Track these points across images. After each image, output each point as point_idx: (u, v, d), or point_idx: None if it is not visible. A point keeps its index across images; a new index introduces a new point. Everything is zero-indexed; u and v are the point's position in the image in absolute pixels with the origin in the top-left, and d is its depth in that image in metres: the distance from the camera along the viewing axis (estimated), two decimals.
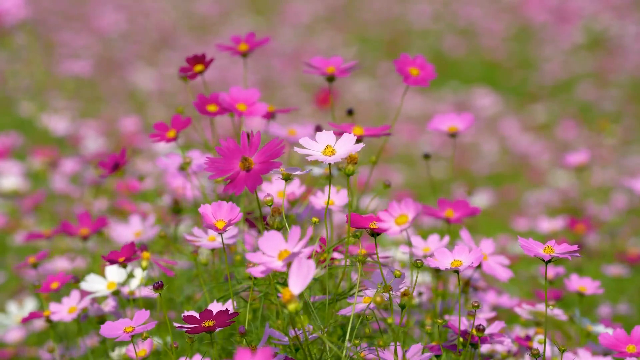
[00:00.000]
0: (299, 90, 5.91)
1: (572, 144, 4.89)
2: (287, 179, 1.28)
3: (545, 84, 6.29)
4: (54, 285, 1.50)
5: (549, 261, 1.24)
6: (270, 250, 1.15)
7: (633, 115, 5.54)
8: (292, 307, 1.08)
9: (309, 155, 1.22)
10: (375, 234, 1.26)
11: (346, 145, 1.24)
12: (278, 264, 1.14)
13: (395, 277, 1.27)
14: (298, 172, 1.27)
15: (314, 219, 1.29)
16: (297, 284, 1.08)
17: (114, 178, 2.67)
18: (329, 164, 1.24)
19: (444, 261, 1.28)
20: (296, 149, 1.23)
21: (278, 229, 1.22)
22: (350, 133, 1.44)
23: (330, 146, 1.24)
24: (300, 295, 1.30)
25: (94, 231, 1.66)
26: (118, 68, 6.27)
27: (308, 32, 7.43)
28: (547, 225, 2.43)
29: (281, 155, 1.19)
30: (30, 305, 1.85)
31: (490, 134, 5.20)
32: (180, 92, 5.69)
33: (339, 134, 1.26)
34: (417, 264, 1.26)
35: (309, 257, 1.34)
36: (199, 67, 1.52)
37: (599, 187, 4.06)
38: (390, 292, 1.26)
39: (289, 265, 1.12)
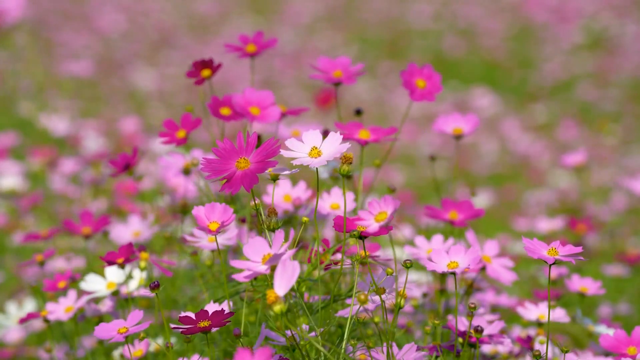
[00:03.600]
0: (299, 90, 5.91)
1: (572, 144, 4.88)
2: (275, 178, 1.27)
3: (545, 84, 6.28)
4: (61, 284, 1.50)
5: (553, 263, 1.23)
6: (254, 255, 1.15)
7: (633, 115, 5.53)
8: (277, 308, 1.08)
9: (294, 159, 1.20)
10: (362, 236, 1.24)
11: (332, 146, 1.20)
12: (262, 268, 1.14)
13: (388, 274, 1.26)
14: (287, 172, 1.26)
15: (304, 219, 1.28)
16: (281, 285, 1.08)
17: (113, 178, 2.66)
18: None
19: (441, 263, 1.27)
20: (282, 151, 1.20)
21: (274, 230, 1.21)
22: (356, 134, 1.43)
23: (316, 147, 1.21)
24: (301, 296, 1.30)
25: (96, 230, 1.66)
26: (118, 68, 6.27)
27: (308, 32, 7.42)
28: (547, 225, 2.42)
29: (277, 154, 1.18)
30: (29, 305, 1.84)
31: (490, 134, 5.19)
32: (181, 92, 5.69)
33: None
34: (406, 265, 1.25)
35: (308, 262, 1.34)
36: (206, 72, 1.50)
37: (598, 187, 4.05)
38: (382, 293, 1.25)
39: (273, 268, 1.12)
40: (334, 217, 1.26)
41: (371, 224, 1.22)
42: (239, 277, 1.15)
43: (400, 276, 1.31)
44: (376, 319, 1.25)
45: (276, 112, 1.46)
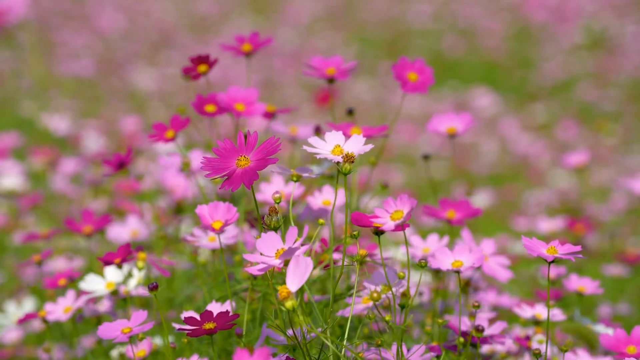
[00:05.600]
0: (299, 89, 5.91)
1: (572, 144, 4.89)
2: (298, 179, 1.29)
3: (545, 84, 6.28)
4: (62, 281, 1.51)
5: (552, 262, 1.23)
6: (267, 251, 1.16)
7: (633, 115, 5.53)
8: (289, 304, 1.08)
9: (318, 154, 1.23)
10: (379, 232, 1.25)
11: (355, 146, 1.24)
12: (275, 262, 1.14)
13: (400, 278, 1.27)
14: (306, 175, 1.28)
15: (320, 221, 1.29)
16: (294, 281, 1.09)
17: (113, 178, 2.66)
18: (337, 162, 1.24)
19: (445, 261, 1.27)
20: (305, 147, 1.23)
21: (275, 229, 1.22)
22: (348, 133, 1.44)
23: (339, 146, 1.24)
24: (300, 295, 1.30)
25: (97, 229, 1.66)
26: (118, 68, 6.27)
27: (308, 32, 7.43)
28: (547, 225, 2.42)
29: (278, 152, 1.19)
30: (28, 305, 1.84)
31: (490, 134, 5.20)
32: (181, 92, 5.69)
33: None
34: (421, 264, 1.26)
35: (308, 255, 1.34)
36: (202, 68, 1.52)
37: (598, 187, 4.05)
38: (389, 292, 1.25)
39: (286, 263, 1.13)
40: (352, 213, 1.27)
41: (387, 222, 1.23)
42: (253, 270, 1.15)
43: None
44: (387, 317, 1.25)
45: (260, 108, 1.48)
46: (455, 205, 1.56)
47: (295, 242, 1.14)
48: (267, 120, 1.62)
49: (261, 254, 1.16)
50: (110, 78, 6.03)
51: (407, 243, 1.28)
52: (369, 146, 1.24)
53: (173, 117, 1.48)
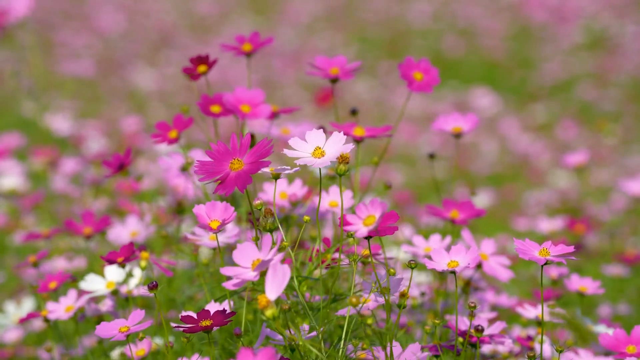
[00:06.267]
0: (299, 89, 5.91)
1: (572, 144, 4.89)
2: (277, 177, 1.27)
3: (545, 83, 6.28)
4: (52, 284, 1.50)
5: (545, 264, 1.23)
6: (244, 261, 1.13)
7: (633, 115, 5.54)
8: (269, 312, 1.07)
9: (298, 159, 1.20)
10: (368, 236, 1.23)
11: (335, 146, 1.21)
12: (251, 275, 1.12)
13: (390, 274, 1.26)
14: (288, 171, 1.26)
15: (306, 218, 1.28)
16: (272, 290, 1.07)
17: (114, 178, 2.66)
18: (320, 169, 1.21)
19: (441, 262, 1.27)
20: (285, 150, 1.21)
21: (270, 230, 1.21)
22: (351, 133, 1.43)
23: (320, 147, 1.21)
24: (302, 296, 1.30)
25: (97, 230, 1.66)
26: (118, 68, 6.27)
27: (308, 32, 7.43)
28: (547, 225, 2.42)
29: (270, 154, 1.18)
30: (28, 304, 1.84)
31: (490, 134, 5.20)
32: (181, 92, 5.69)
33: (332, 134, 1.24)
34: (411, 265, 1.25)
35: (309, 261, 1.34)
36: (202, 68, 1.51)
37: (598, 187, 4.06)
38: (384, 294, 1.25)
39: (263, 274, 1.11)
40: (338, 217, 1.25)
41: (359, 228, 1.21)
42: (228, 284, 1.12)
43: (401, 275, 1.31)
44: (369, 321, 1.24)
45: (266, 110, 1.47)
46: (458, 205, 1.56)
47: (270, 251, 1.12)
48: (270, 120, 1.62)
49: (238, 265, 1.13)
50: (110, 78, 6.03)
51: (396, 244, 1.27)
52: (350, 145, 1.20)
53: (176, 116, 1.48)
